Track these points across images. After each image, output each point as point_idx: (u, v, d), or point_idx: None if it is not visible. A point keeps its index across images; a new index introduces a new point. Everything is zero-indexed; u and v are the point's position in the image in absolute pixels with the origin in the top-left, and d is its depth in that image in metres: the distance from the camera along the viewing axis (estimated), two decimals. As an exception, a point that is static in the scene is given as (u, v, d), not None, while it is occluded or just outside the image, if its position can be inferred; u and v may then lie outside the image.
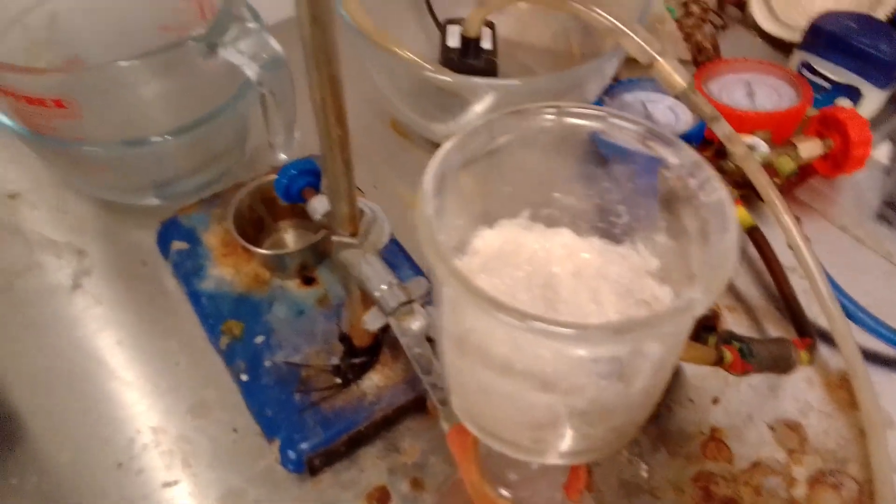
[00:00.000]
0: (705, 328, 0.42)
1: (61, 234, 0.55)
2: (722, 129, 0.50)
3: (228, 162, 0.54)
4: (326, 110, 0.28)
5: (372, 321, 0.33)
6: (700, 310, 0.16)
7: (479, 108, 0.50)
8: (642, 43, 0.47)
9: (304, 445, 0.42)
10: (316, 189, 0.39)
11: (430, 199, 0.18)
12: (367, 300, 0.36)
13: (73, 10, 0.55)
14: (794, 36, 0.67)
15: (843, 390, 0.46)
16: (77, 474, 0.43)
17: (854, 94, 0.60)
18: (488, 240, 0.21)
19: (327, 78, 0.27)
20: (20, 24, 0.52)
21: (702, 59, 0.67)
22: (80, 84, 0.42)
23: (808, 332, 0.44)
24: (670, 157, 0.19)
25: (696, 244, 0.18)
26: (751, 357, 0.38)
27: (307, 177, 0.38)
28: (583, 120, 0.20)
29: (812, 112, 0.59)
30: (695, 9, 0.70)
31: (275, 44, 0.46)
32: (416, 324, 0.31)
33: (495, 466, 0.27)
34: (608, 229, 0.21)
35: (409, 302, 0.32)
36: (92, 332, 0.49)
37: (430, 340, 0.33)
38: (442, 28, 0.60)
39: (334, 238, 0.34)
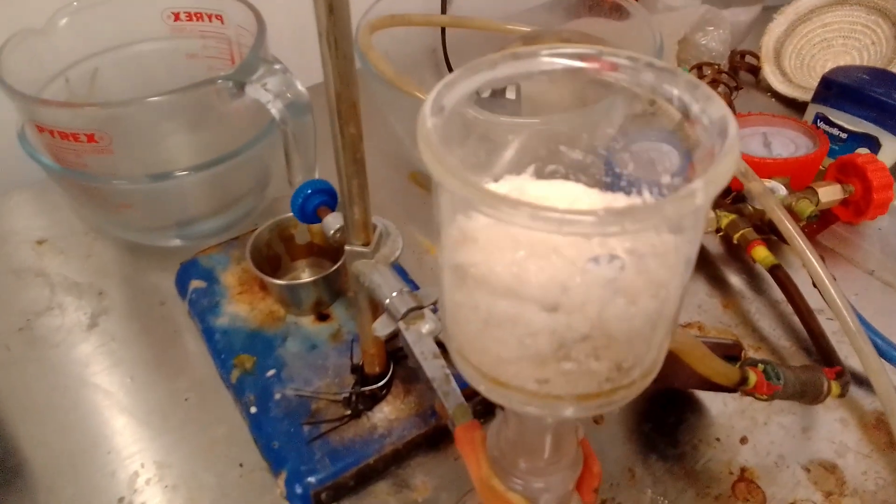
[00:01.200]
0: (729, 358, 0.41)
1: (84, 276, 0.56)
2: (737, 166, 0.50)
3: (248, 205, 0.55)
4: (340, 106, 0.29)
5: (381, 328, 0.32)
6: (700, 198, 0.15)
7: (505, 151, 0.51)
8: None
9: (311, 479, 0.40)
10: (331, 208, 0.39)
11: (428, 117, 0.18)
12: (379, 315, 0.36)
13: (114, 67, 0.58)
14: (808, 96, 0.68)
15: (880, 431, 0.44)
16: (78, 509, 0.41)
17: (872, 144, 0.60)
18: (493, 189, 0.21)
19: (341, 72, 0.28)
20: (62, 77, 0.55)
21: (717, 117, 0.68)
22: (112, 119, 0.44)
23: (838, 366, 0.42)
24: (670, 87, 0.19)
25: (702, 171, 0.18)
26: (776, 379, 0.36)
27: (322, 196, 0.39)
28: (574, 61, 0.20)
29: (829, 162, 0.59)
30: (708, 71, 0.72)
31: (300, 85, 0.47)
32: (426, 327, 0.30)
33: (505, 461, 0.25)
34: (615, 182, 0.21)
35: (419, 307, 0.32)
36: (105, 368, 0.49)
37: (439, 345, 0.32)
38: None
39: (347, 247, 0.34)
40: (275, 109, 0.46)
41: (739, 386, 0.36)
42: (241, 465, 0.43)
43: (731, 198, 0.57)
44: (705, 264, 0.56)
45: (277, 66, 0.46)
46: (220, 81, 0.45)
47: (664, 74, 0.20)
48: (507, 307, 0.17)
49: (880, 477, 0.41)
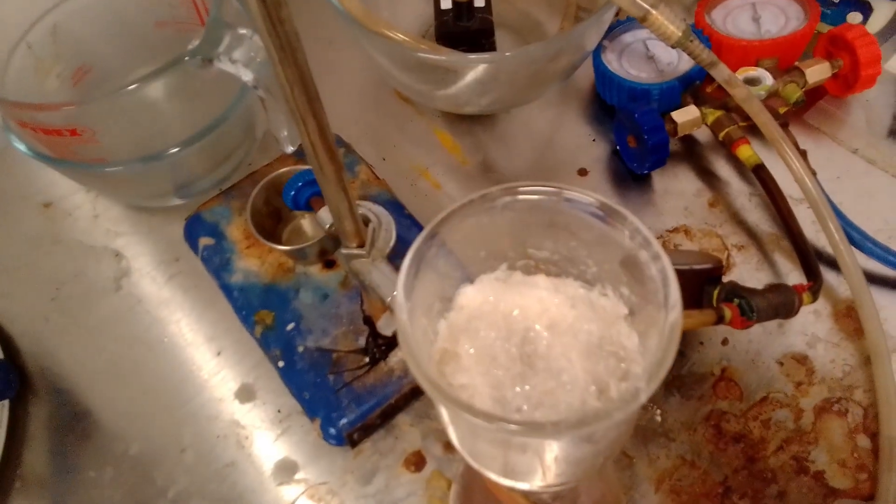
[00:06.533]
0: (710, 280, 0.44)
1: (96, 238, 0.58)
2: (721, 74, 0.49)
3: (241, 155, 0.56)
4: (312, 139, 0.30)
5: (386, 326, 0.35)
6: (644, 398, 0.18)
7: (474, 76, 0.50)
8: (632, -4, 0.47)
9: (342, 422, 0.46)
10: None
11: (403, 306, 0.20)
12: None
13: (71, 18, 0.56)
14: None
15: (850, 318, 0.47)
16: (147, 463, 0.47)
17: (864, 8, 0.58)
18: (470, 296, 0.23)
19: (307, 101, 0.28)
20: (24, 44, 0.54)
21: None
22: (89, 113, 0.44)
23: (814, 272, 0.45)
24: (621, 233, 0.21)
25: (654, 305, 0.20)
26: (751, 313, 0.40)
27: (314, 186, 0.40)
28: (537, 196, 0.21)
29: (822, 28, 0.58)
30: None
31: (266, 43, 0.46)
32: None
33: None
34: (581, 274, 0.23)
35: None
36: (139, 330, 0.53)
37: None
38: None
39: (343, 251, 0.36)
40: (247, 77, 0.45)
41: (717, 324, 0.39)
42: (279, 411, 0.49)
43: (716, 86, 0.57)
44: (694, 157, 0.57)
45: (243, 32, 0.45)
46: (186, 59, 0.44)
47: (618, 220, 0.21)
48: (489, 449, 0.20)
49: (847, 364, 0.46)
